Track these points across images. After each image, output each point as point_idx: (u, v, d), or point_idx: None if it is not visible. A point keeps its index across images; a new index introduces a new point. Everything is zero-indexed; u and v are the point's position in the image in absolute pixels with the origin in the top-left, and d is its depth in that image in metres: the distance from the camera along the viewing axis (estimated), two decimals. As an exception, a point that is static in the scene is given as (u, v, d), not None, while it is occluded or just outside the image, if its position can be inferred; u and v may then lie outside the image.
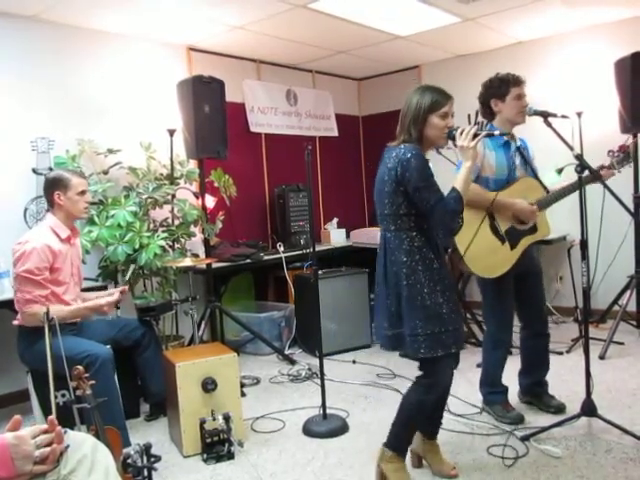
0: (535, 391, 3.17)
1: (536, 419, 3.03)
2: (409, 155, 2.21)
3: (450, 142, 2.34)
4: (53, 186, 2.99)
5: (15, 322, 2.98)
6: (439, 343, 2.25)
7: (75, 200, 3.01)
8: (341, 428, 3.08)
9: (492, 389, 3.08)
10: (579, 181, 2.74)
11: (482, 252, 2.84)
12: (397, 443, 2.42)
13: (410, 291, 2.26)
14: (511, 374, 3.18)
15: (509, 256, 2.92)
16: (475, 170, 2.90)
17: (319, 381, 3.24)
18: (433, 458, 2.56)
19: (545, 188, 3.03)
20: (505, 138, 2.97)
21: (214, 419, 2.81)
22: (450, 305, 2.29)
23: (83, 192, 3.05)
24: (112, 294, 3.09)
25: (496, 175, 2.93)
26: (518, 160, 3.02)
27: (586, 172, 2.71)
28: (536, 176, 3.07)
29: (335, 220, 5.90)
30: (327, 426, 3.08)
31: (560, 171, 4.22)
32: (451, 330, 2.27)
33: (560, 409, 3.08)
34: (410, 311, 2.26)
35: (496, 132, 2.39)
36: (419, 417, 2.41)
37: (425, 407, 2.37)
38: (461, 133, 2.26)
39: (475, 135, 2.27)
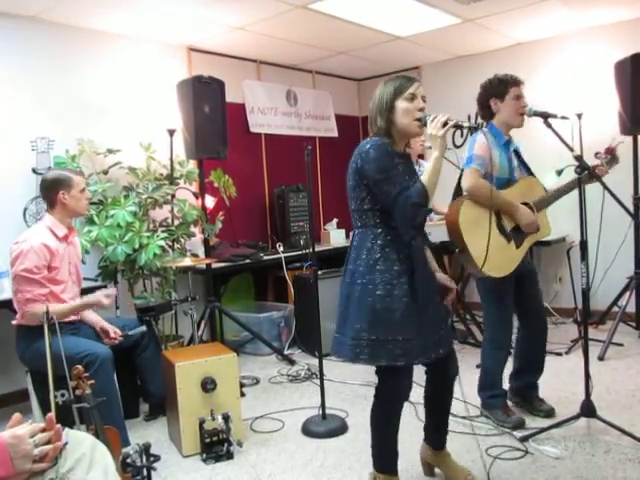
0: (526, 393, 3.15)
1: (534, 420, 3.03)
2: (368, 146, 2.10)
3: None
4: (56, 186, 3.00)
5: (14, 322, 2.98)
6: (384, 352, 2.07)
7: (78, 198, 3.05)
8: (340, 428, 3.08)
9: (492, 392, 3.05)
10: (578, 182, 2.75)
11: (491, 251, 2.68)
12: (383, 462, 2.32)
13: (362, 291, 2.11)
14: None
15: (515, 255, 2.89)
16: (483, 165, 2.82)
17: (318, 381, 3.25)
18: (445, 467, 2.49)
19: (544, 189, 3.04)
20: (506, 138, 2.97)
21: (213, 419, 2.81)
22: (407, 313, 2.09)
23: (83, 189, 3.09)
24: (109, 295, 3.03)
25: (499, 174, 2.92)
26: (516, 162, 3.03)
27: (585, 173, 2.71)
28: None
29: (335, 220, 5.90)
30: (326, 426, 3.08)
31: (560, 172, 4.21)
32: (400, 340, 2.07)
33: (550, 414, 3.06)
34: (358, 312, 2.11)
35: (465, 124, 2.13)
36: (390, 430, 2.28)
37: (390, 419, 2.26)
38: (432, 120, 2.09)
39: (445, 123, 2.07)
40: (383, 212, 2.14)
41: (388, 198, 2.07)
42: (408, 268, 2.13)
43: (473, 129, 2.17)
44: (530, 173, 3.06)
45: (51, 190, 3.01)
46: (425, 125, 2.14)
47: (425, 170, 2.11)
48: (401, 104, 2.13)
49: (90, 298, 3.03)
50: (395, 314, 2.09)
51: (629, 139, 4.54)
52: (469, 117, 4.67)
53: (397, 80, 2.17)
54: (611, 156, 3.17)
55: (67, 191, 3.00)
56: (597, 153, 3.24)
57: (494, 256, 2.71)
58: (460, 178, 2.99)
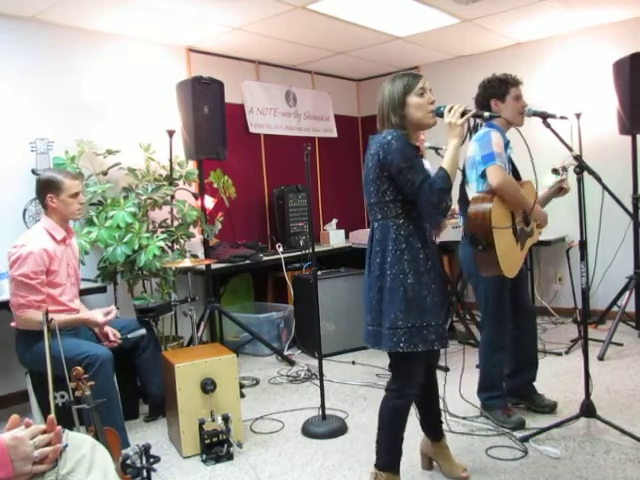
0: (524, 392, 3.15)
1: (534, 420, 3.03)
2: (389, 137, 2.15)
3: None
4: (45, 189, 2.95)
5: (13, 324, 2.97)
6: (420, 338, 2.14)
7: (68, 203, 2.97)
8: (340, 429, 3.07)
9: (491, 393, 3.05)
10: (578, 182, 2.75)
11: (507, 251, 2.73)
12: (388, 461, 2.31)
13: (393, 281, 2.16)
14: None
15: (521, 256, 2.89)
16: (503, 162, 2.81)
17: (318, 382, 3.24)
18: (443, 460, 2.52)
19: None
20: (507, 139, 2.97)
21: (213, 420, 2.81)
22: (435, 299, 2.20)
23: (76, 194, 2.99)
24: (109, 312, 3.05)
25: None
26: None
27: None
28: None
29: (334, 221, 5.91)
30: (326, 427, 3.08)
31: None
32: (433, 325, 2.17)
33: (553, 408, 3.10)
34: (391, 302, 2.16)
35: (486, 114, 2.28)
36: (400, 425, 2.29)
37: (404, 413, 2.28)
38: (449, 110, 2.19)
39: (464, 113, 2.19)
40: (405, 203, 2.19)
41: (412, 187, 2.13)
42: (428, 256, 2.23)
43: (492, 118, 2.28)
44: (517, 177, 3.04)
45: (41, 193, 2.98)
46: (441, 115, 2.21)
47: (445, 158, 2.18)
48: (413, 100, 2.20)
49: (86, 315, 3.02)
50: (426, 300, 2.18)
51: (627, 139, 4.55)
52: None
53: (404, 77, 2.23)
54: (566, 173, 3.18)
55: (56, 195, 2.94)
56: (555, 169, 3.25)
57: (509, 256, 2.74)
58: (463, 178, 2.98)
